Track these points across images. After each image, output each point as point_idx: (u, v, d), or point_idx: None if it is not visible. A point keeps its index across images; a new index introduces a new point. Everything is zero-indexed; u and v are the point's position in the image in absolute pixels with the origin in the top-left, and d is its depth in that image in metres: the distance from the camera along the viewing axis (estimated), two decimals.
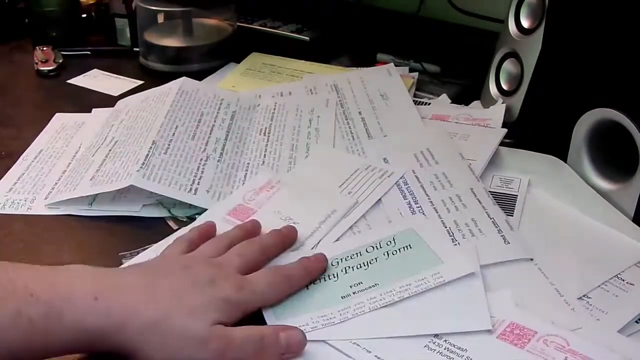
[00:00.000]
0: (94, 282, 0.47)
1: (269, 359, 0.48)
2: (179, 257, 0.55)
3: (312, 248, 0.60)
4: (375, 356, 0.49)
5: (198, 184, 0.68)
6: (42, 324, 0.44)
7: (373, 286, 0.55)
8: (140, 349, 0.46)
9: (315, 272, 0.56)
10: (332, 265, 0.57)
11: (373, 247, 0.59)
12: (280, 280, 0.53)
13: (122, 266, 0.59)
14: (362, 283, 0.55)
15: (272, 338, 0.48)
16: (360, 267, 0.57)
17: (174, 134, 0.72)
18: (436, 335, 0.50)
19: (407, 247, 0.59)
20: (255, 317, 0.51)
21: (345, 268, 0.57)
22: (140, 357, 0.46)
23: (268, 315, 0.52)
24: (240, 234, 0.59)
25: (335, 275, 0.56)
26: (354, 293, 0.54)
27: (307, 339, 0.49)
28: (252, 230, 0.60)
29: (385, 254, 0.58)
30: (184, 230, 0.62)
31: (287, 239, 0.60)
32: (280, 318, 0.52)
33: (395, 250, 0.58)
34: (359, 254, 0.58)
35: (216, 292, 0.49)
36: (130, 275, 0.50)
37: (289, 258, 0.57)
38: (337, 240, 0.61)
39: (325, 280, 0.56)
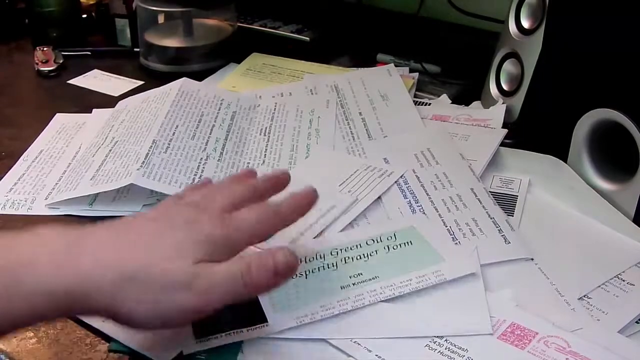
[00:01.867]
0: (61, 243, 0.44)
1: (259, 287, 0.45)
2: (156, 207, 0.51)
3: (314, 237, 0.60)
4: (376, 355, 0.49)
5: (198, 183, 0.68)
6: (3, 292, 0.41)
7: (373, 279, 0.55)
8: (120, 304, 0.42)
9: (306, 206, 0.51)
10: (332, 254, 0.58)
11: (373, 240, 0.59)
12: (269, 214, 0.49)
13: None
14: (362, 274, 0.55)
15: (259, 264, 0.45)
16: (360, 258, 0.57)
17: (174, 133, 0.72)
18: (437, 335, 0.50)
19: (407, 243, 0.59)
20: (253, 310, 0.52)
21: (344, 258, 0.57)
22: (123, 313, 0.43)
23: (266, 307, 0.52)
24: (230, 181, 0.54)
25: (335, 264, 0.57)
26: (353, 284, 0.54)
27: (307, 331, 0.49)
28: (243, 177, 0.55)
29: (386, 247, 0.58)
30: None
31: (280, 182, 0.54)
32: (278, 308, 0.52)
33: (396, 245, 0.59)
34: (358, 246, 0.59)
35: (196, 230, 0.45)
36: (101, 230, 0.46)
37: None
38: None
39: (324, 269, 0.56)
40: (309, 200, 0.51)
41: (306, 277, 0.55)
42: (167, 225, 0.46)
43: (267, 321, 0.51)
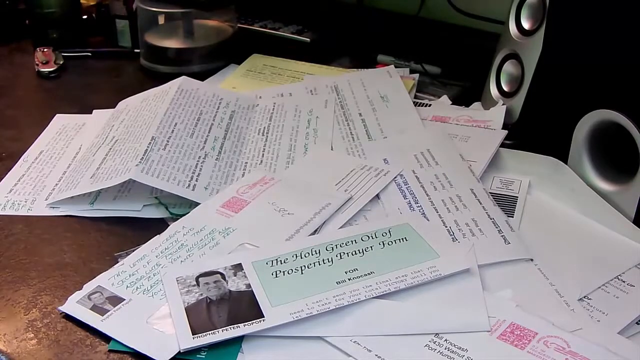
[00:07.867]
0: None
1: None
2: None
3: (310, 235, 0.61)
4: (376, 355, 0.49)
5: (196, 180, 0.68)
6: None
7: (369, 274, 0.55)
8: None
9: None
10: (327, 250, 0.58)
11: (368, 236, 0.60)
12: None
13: (118, 264, 0.59)
14: (357, 270, 0.56)
15: None
16: (356, 254, 0.58)
17: (172, 130, 0.72)
18: (437, 335, 0.50)
19: (402, 239, 0.59)
20: (249, 305, 0.52)
21: (340, 254, 0.57)
22: None
23: (263, 302, 0.52)
24: None
25: (330, 260, 0.57)
26: (349, 279, 0.55)
27: (304, 327, 0.49)
28: None
29: (381, 243, 0.59)
30: (177, 226, 0.63)
31: None
32: (275, 305, 0.52)
33: (391, 242, 0.59)
34: (354, 242, 0.59)
35: None
36: None
37: (285, 247, 0.58)
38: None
39: (320, 265, 0.56)
40: None
41: (302, 273, 0.55)
42: None
43: (263, 316, 0.51)
